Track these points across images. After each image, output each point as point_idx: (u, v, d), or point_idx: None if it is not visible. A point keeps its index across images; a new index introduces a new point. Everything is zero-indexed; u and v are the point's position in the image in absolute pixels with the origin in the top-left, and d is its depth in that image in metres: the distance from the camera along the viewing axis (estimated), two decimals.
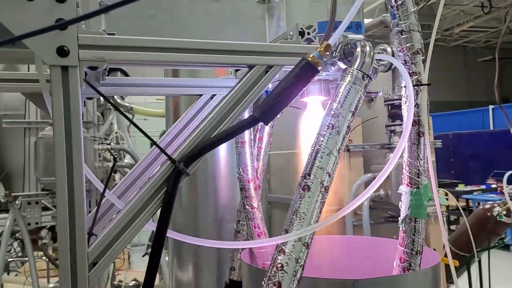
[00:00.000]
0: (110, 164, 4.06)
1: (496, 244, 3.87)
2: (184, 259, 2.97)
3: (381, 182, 1.19)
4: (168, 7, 1.32)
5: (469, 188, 9.28)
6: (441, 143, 3.34)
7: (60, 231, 0.98)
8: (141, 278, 1.90)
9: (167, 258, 3.80)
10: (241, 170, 1.72)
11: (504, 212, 3.63)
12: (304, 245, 1.11)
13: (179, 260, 3.00)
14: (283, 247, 1.12)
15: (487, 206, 3.73)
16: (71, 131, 1.00)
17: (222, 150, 2.86)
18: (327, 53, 1.11)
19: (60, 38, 0.99)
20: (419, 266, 1.40)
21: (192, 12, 1.36)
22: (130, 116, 4.69)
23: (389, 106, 3.05)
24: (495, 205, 3.58)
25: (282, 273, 1.08)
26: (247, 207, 1.69)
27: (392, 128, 3.01)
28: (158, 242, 1.10)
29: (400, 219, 1.43)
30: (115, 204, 1.27)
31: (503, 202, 3.71)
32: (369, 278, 1.32)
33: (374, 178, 3.05)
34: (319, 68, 1.11)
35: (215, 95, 1.36)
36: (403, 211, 1.41)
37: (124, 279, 5.30)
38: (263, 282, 1.11)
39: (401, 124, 2.55)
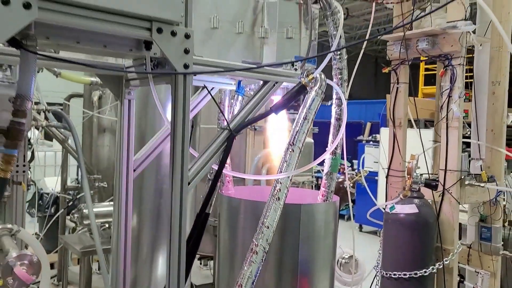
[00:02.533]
0: None
1: (343, 208, 5.42)
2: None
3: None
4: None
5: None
6: (317, 129, 4.61)
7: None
8: None
9: None
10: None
11: (351, 185, 5.13)
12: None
13: None
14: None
15: (339, 180, 5.20)
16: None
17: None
18: (310, 82, 2.13)
19: (188, 58, 1.79)
20: (332, 199, 2.55)
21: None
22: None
23: None
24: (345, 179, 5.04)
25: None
26: None
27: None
28: (215, 178, 1.98)
29: (323, 173, 2.54)
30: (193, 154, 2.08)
31: (351, 177, 5.23)
32: (308, 204, 2.42)
33: (269, 153, 4.25)
34: (307, 88, 2.13)
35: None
36: (326, 169, 2.53)
37: None
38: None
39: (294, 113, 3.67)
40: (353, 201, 8.47)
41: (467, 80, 3.40)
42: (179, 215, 1.86)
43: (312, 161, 4.15)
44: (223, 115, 2.14)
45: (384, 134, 8.86)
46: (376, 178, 8.80)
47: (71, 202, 5.68)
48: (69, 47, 1.84)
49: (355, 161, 10.66)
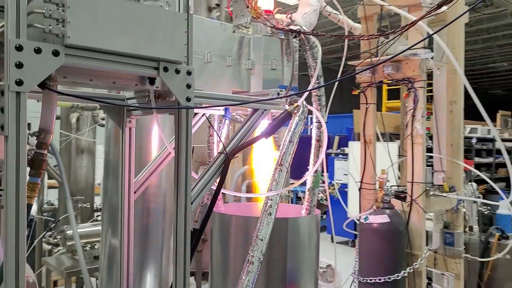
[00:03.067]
0: None
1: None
2: (117, 228, 3.81)
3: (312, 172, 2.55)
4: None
5: (291, 181, 11.63)
6: None
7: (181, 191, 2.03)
8: None
9: None
10: (211, 160, 2.89)
11: (325, 197, 5.43)
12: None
13: (113, 229, 3.82)
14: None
15: None
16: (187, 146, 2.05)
17: (155, 146, 3.82)
18: (295, 109, 2.41)
19: (190, 92, 2.03)
20: (314, 213, 2.82)
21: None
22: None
23: None
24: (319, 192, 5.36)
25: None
26: None
27: None
28: (215, 196, 2.22)
29: (306, 189, 2.81)
30: (194, 176, 2.30)
31: (324, 190, 5.50)
32: (293, 217, 2.68)
33: (248, 170, 4.51)
34: (293, 115, 2.40)
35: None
36: (308, 184, 2.80)
37: None
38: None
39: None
40: (324, 213, 8.80)
41: (429, 99, 3.78)
42: (184, 232, 2.07)
43: (288, 174, 4.43)
44: (218, 136, 2.38)
45: (352, 147, 9.33)
46: (346, 190, 9.20)
47: (53, 224, 5.72)
48: (83, 85, 2.04)
49: (325, 174, 11.03)
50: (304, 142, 2.80)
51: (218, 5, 5.64)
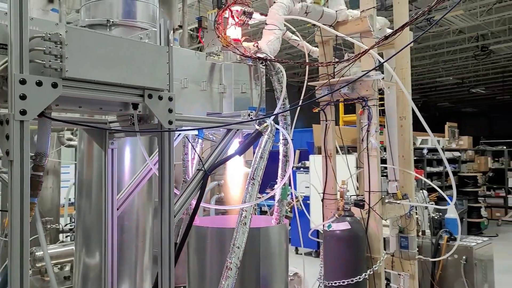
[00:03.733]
0: None
1: None
2: (92, 247, 3.90)
3: (281, 185, 2.82)
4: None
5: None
6: None
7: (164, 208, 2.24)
8: None
9: None
10: (186, 176, 3.11)
11: (289, 209, 5.69)
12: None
13: (88, 248, 3.92)
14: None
15: None
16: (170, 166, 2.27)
17: (127, 165, 3.98)
18: (265, 129, 2.68)
19: (171, 116, 2.26)
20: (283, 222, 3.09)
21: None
22: None
23: None
24: None
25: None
26: None
27: None
28: (195, 210, 2.44)
29: (275, 200, 3.08)
30: (176, 192, 2.51)
31: (288, 202, 5.78)
32: (265, 227, 2.93)
33: (218, 184, 4.79)
34: (263, 134, 2.68)
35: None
36: (277, 196, 3.07)
37: None
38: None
39: None
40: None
41: (381, 113, 4.16)
42: (168, 243, 2.28)
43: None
44: (200, 157, 2.61)
45: (313, 160, 9.71)
46: (308, 202, 9.55)
47: None
48: (73, 111, 2.23)
49: (293, 188, 11.36)
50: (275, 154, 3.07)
51: (180, 26, 5.90)
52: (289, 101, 3.06)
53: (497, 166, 15.39)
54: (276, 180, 3.11)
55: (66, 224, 6.67)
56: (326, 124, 4.27)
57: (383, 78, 3.98)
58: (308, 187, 9.91)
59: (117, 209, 2.70)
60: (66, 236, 5.98)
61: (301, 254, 10.48)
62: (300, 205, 5.09)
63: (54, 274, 4.66)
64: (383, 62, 3.33)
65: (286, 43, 3.92)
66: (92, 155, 3.81)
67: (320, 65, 3.34)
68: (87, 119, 2.69)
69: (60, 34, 1.86)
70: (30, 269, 5.41)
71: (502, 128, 27.39)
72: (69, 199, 7.99)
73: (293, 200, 4.98)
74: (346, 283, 3.68)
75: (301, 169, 10.85)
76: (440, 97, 25.79)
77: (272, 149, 2.97)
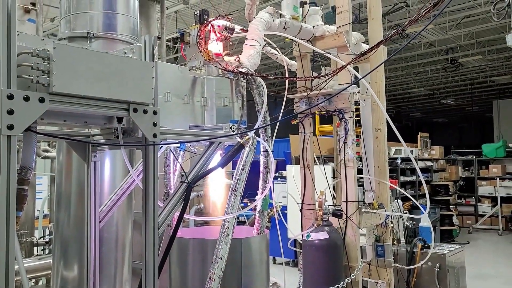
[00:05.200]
0: None
1: None
2: (70, 260, 3.87)
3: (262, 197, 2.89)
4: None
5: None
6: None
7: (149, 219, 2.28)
8: None
9: None
10: (168, 188, 3.15)
11: (267, 219, 5.72)
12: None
13: (66, 261, 3.88)
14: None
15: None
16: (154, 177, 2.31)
17: (107, 177, 3.97)
18: (246, 141, 2.75)
19: (156, 129, 2.30)
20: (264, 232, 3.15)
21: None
22: None
23: None
24: None
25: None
26: None
27: None
28: (178, 223, 2.48)
29: (257, 210, 3.15)
30: (159, 203, 2.54)
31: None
32: (246, 237, 2.99)
33: (198, 195, 4.82)
34: (244, 146, 2.74)
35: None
36: (258, 207, 3.14)
37: None
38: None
39: None
40: None
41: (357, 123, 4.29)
42: (152, 254, 2.31)
43: None
44: (183, 170, 2.65)
45: (290, 170, 9.81)
46: (285, 211, 9.62)
47: None
48: (57, 124, 2.25)
49: (274, 199, 11.41)
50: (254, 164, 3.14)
51: (159, 37, 5.94)
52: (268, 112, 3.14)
53: (467, 175, 15.87)
54: (256, 192, 3.18)
55: (41, 237, 6.55)
56: (305, 136, 4.37)
57: (359, 92, 4.11)
58: (285, 196, 9.99)
59: (100, 221, 2.71)
60: (42, 250, 5.88)
61: (280, 264, 10.54)
62: (279, 215, 5.15)
63: None
64: (361, 79, 3.46)
65: (262, 54, 4.00)
66: (71, 166, 3.78)
67: (300, 79, 3.44)
68: (70, 132, 2.70)
69: (48, 50, 1.90)
70: None
71: (471, 138, 28.28)
72: (43, 211, 7.85)
73: (271, 210, 5.05)
74: None
75: (278, 179, 10.93)
76: (412, 107, 26.47)
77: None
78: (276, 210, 5.62)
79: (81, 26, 3.43)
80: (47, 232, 6.99)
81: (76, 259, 3.87)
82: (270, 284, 4.91)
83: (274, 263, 10.67)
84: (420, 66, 17.32)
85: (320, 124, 13.70)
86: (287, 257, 10.11)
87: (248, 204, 11.48)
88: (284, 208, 9.66)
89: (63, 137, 2.37)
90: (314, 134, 4.73)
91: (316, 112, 4.38)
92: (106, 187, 3.58)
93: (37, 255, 5.68)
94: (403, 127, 27.62)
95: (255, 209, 3.44)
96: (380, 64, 3.72)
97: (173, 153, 2.67)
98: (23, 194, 2.01)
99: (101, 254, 3.99)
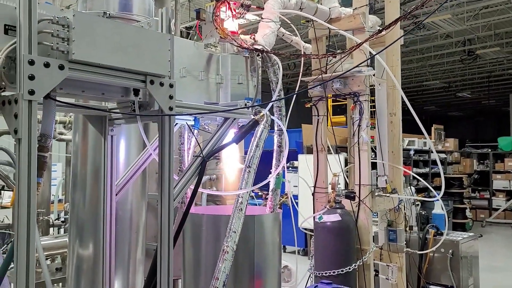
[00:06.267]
0: None
1: None
2: (86, 239, 3.92)
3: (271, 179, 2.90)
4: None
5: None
6: None
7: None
8: None
9: None
10: (182, 165, 3.17)
11: (278, 206, 5.73)
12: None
13: (82, 240, 3.93)
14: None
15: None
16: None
17: (122, 156, 4.02)
18: (261, 118, 2.76)
19: (172, 102, 2.32)
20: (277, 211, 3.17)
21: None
22: None
23: None
24: None
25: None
26: None
27: None
28: (193, 195, 2.50)
29: (270, 190, 3.16)
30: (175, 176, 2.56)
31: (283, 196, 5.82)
32: (259, 215, 3.01)
33: (210, 179, 4.84)
34: (259, 123, 2.75)
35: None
36: (271, 185, 3.15)
37: None
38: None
39: None
40: None
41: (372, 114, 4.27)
42: (167, 224, 2.34)
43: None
44: (198, 144, 2.67)
45: (302, 160, 9.80)
46: (296, 201, 9.64)
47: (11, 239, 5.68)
48: (75, 95, 2.28)
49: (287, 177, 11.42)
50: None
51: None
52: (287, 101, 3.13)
53: (482, 168, 15.69)
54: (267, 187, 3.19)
55: (56, 219, 6.66)
56: (318, 119, 4.37)
57: (374, 75, 4.09)
58: (296, 186, 10.01)
59: (116, 194, 2.75)
60: (59, 230, 5.99)
61: (290, 252, 10.58)
62: (291, 199, 5.15)
63: (46, 265, 4.66)
64: (375, 55, 3.44)
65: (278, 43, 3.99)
66: (87, 147, 3.84)
67: (315, 57, 3.43)
68: (88, 105, 2.73)
69: (68, 18, 1.92)
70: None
71: (487, 132, 27.89)
72: (58, 196, 7.99)
73: (283, 197, 5.07)
74: (336, 273, 3.77)
75: (290, 168, 10.93)
76: (426, 100, 26.18)
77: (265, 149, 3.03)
78: (287, 197, 5.62)
79: (97, 6, 3.46)
80: (62, 215, 7.11)
81: (92, 238, 3.94)
82: (282, 266, 4.94)
83: (285, 251, 10.71)
84: (436, 58, 17.09)
85: (332, 115, 13.69)
86: (298, 246, 10.14)
87: (259, 193, 11.55)
88: (295, 197, 9.68)
89: (82, 107, 2.40)
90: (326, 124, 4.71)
91: (330, 96, 4.36)
92: (122, 167, 3.63)
93: (53, 234, 5.79)
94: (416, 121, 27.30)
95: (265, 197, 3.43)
96: (399, 39, 3.65)
97: (189, 128, 2.68)
98: (43, 161, 2.05)
99: (116, 232, 4.05)
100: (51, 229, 6.13)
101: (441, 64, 18.02)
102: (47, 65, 1.86)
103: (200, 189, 2.76)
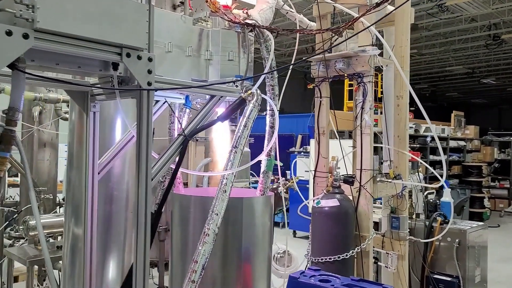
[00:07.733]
0: None
1: (277, 213, 5.88)
2: (81, 218, 3.90)
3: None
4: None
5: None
6: (253, 140, 5.12)
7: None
8: None
9: None
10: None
11: (285, 190, 5.65)
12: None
13: (76, 219, 3.91)
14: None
15: (274, 186, 5.72)
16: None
17: (118, 134, 3.94)
18: (249, 96, 2.63)
19: (150, 77, 2.21)
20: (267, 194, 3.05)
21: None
22: None
23: None
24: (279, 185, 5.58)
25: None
26: None
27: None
28: (174, 174, 2.41)
29: (261, 172, 3.04)
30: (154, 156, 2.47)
31: (284, 183, 5.74)
32: (248, 197, 2.90)
33: (211, 161, 4.72)
34: (246, 101, 2.62)
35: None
36: (263, 168, 3.03)
37: None
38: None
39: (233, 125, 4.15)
40: (287, 210, 9.11)
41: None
42: (145, 206, 2.26)
43: (249, 167, 4.65)
44: (179, 122, 2.57)
45: (313, 144, 9.64)
46: (307, 186, 9.51)
47: (16, 216, 5.74)
48: (50, 68, 2.19)
49: (288, 172, 11.35)
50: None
51: (182, 3, 5.81)
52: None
53: (503, 157, 15.20)
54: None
55: (63, 198, 6.70)
56: (320, 101, 4.21)
57: (380, 54, 3.89)
58: (307, 171, 9.86)
59: (98, 173, 2.68)
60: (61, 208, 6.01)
61: (299, 237, 10.51)
62: (295, 186, 5.04)
63: (46, 243, 4.68)
64: (370, 26, 3.22)
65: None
66: (83, 125, 3.79)
67: (311, 32, 3.26)
68: (70, 80, 2.65)
69: None
70: (24, 238, 5.47)
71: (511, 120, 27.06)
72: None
73: (289, 181, 4.95)
74: (332, 259, 3.66)
75: (302, 153, 10.80)
76: (449, 86, 25.45)
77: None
78: (292, 182, 5.51)
79: None
80: None
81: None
82: (281, 252, 4.85)
83: (295, 236, 10.65)
84: (460, 43, 16.50)
85: (348, 100, 13.41)
86: (307, 230, 10.06)
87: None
88: (305, 182, 9.56)
89: (58, 81, 2.31)
90: (342, 109, 4.55)
91: (331, 76, 4.18)
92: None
93: (56, 212, 5.82)
94: (437, 107, 26.66)
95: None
96: (405, 3, 3.39)
97: (171, 108, 2.58)
98: (11, 135, 1.98)
99: (110, 212, 4.01)
100: (58, 208, 6.17)
101: (465, 49, 17.40)
102: (9, 33, 1.77)
103: (182, 170, 2.67)
